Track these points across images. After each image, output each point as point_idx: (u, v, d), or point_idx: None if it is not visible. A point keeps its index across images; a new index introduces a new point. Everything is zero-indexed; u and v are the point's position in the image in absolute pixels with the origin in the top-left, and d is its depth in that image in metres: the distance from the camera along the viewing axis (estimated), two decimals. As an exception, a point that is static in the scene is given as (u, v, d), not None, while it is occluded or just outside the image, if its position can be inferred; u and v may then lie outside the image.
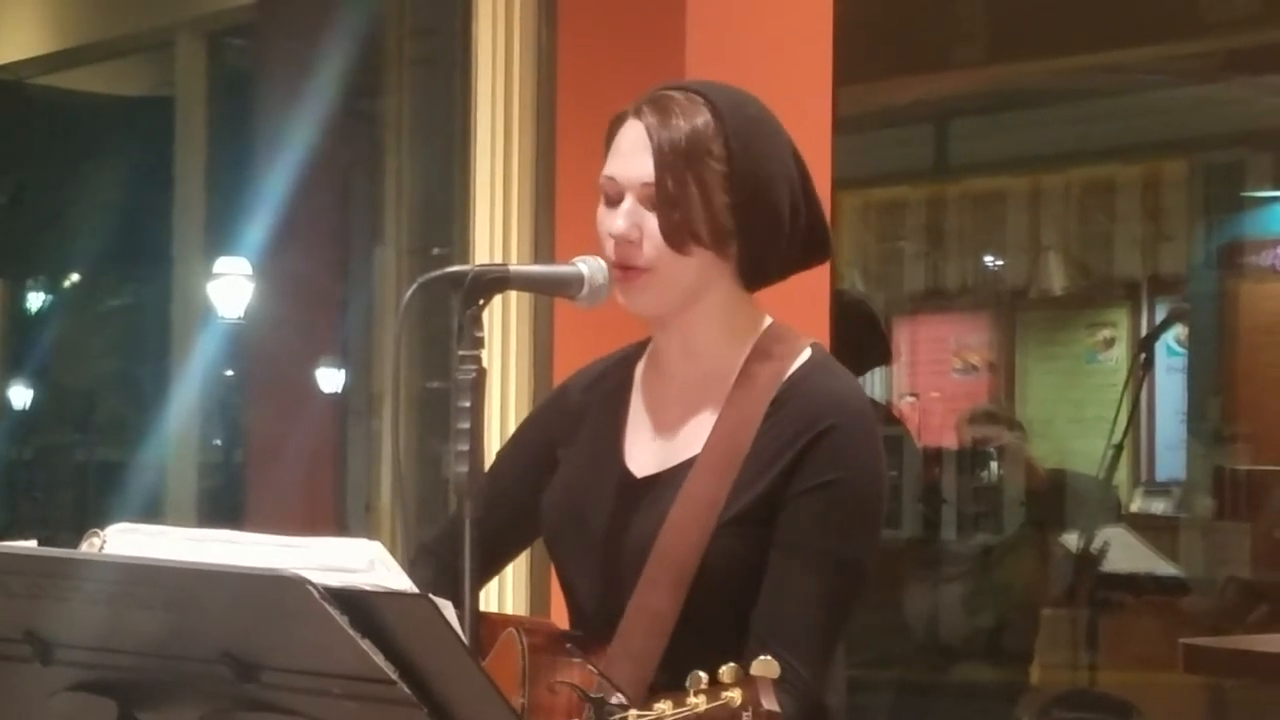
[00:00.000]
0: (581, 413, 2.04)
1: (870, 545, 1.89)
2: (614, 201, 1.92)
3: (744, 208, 1.89)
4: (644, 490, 1.94)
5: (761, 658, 1.57)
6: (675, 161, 1.87)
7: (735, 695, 1.57)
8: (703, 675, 1.60)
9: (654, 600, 1.85)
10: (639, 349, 2.05)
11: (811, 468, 1.85)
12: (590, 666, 1.78)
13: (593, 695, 1.68)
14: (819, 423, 1.86)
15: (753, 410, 1.89)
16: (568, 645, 1.87)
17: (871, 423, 1.91)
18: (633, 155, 1.90)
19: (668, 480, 1.92)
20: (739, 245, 1.91)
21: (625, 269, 1.91)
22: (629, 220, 1.90)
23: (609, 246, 1.92)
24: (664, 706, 1.61)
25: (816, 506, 1.85)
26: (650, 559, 1.87)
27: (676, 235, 1.88)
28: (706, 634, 1.83)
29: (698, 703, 1.59)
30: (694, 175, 1.87)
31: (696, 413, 1.95)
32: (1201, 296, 8.32)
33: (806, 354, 1.94)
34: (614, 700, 1.68)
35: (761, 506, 1.86)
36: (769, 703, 1.56)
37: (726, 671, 1.59)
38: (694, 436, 1.94)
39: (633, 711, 1.64)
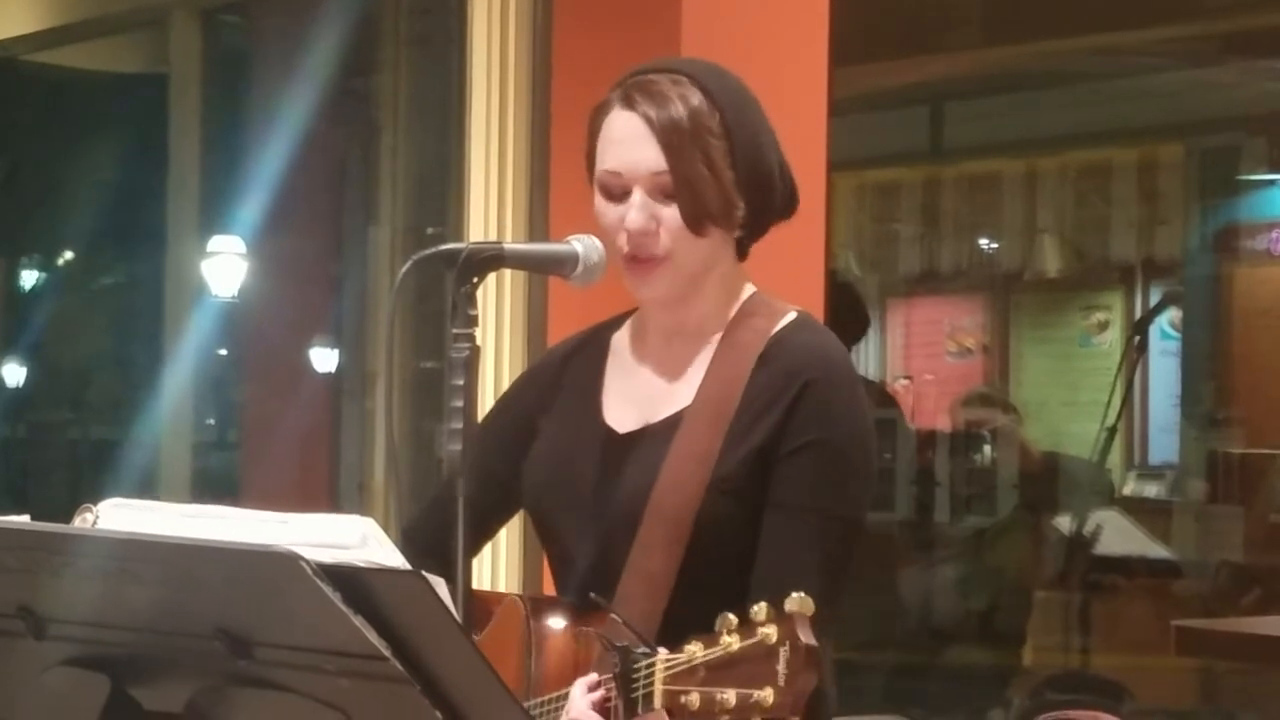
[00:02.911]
0: (558, 384, 2.05)
1: (863, 498, 1.92)
2: (617, 196, 1.92)
3: (746, 179, 1.92)
4: (629, 445, 1.95)
5: (795, 594, 1.56)
6: (682, 145, 1.88)
7: (771, 631, 1.56)
8: (733, 617, 1.59)
9: (651, 562, 1.87)
10: (615, 322, 2.07)
11: (798, 425, 1.88)
12: (614, 615, 1.75)
13: (619, 644, 1.67)
14: (801, 375, 1.89)
15: (740, 365, 1.91)
16: (583, 603, 1.86)
17: (852, 375, 1.95)
18: (634, 146, 1.90)
19: (655, 434, 1.93)
20: (745, 217, 1.93)
21: (641, 261, 1.91)
22: (644, 213, 1.90)
23: (621, 240, 1.91)
24: (695, 648, 1.60)
25: (807, 465, 1.87)
26: (645, 519, 1.88)
27: (696, 219, 1.89)
28: (703, 593, 1.84)
29: (730, 641, 1.58)
30: (702, 155, 1.88)
31: (679, 369, 1.97)
32: (1196, 280, 8.32)
33: (792, 315, 1.97)
34: (639, 649, 1.67)
35: (752, 464, 1.88)
36: (806, 637, 1.55)
37: (759, 610, 1.57)
38: (678, 392, 1.95)
39: (662, 653, 1.64)
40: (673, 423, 1.92)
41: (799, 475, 1.87)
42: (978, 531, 6.58)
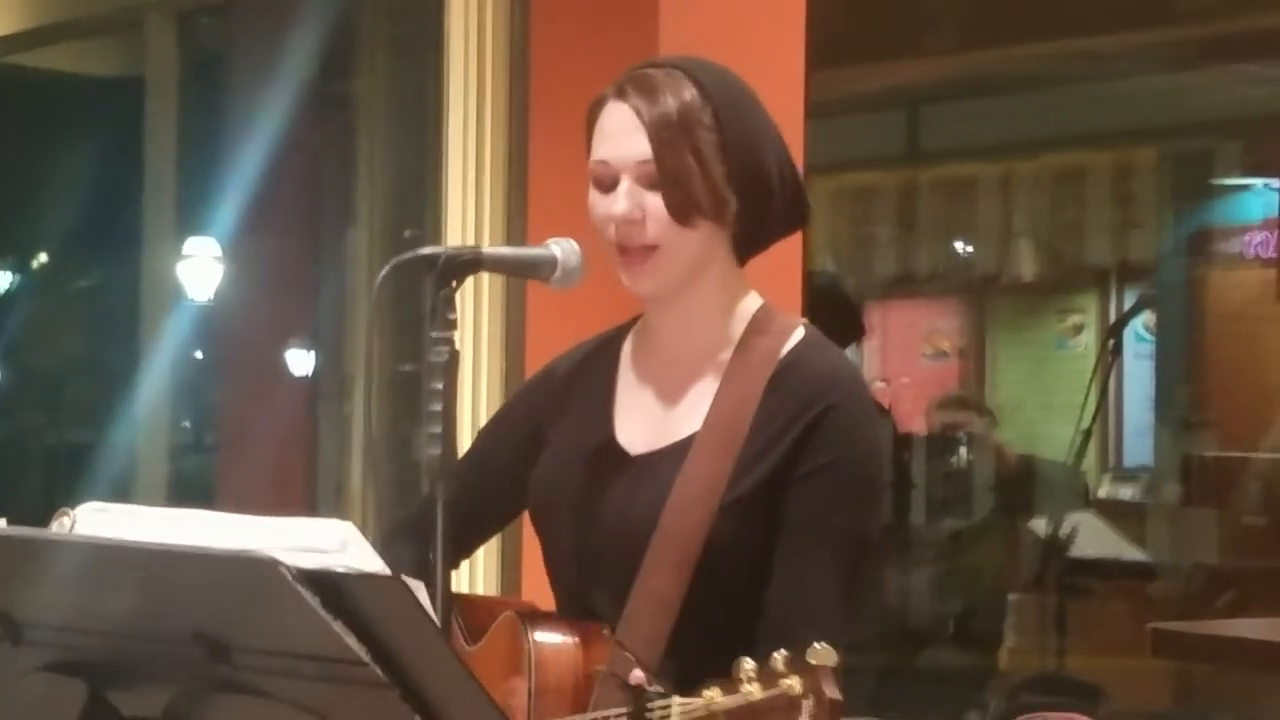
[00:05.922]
0: (568, 392, 2.04)
1: (877, 519, 1.92)
2: (607, 186, 1.92)
3: (739, 174, 1.91)
4: (640, 468, 1.94)
5: (817, 645, 1.55)
6: (670, 135, 1.88)
7: (794, 683, 1.54)
8: (750, 663, 1.57)
9: (659, 582, 1.85)
10: (623, 329, 2.06)
11: (815, 448, 1.87)
12: (628, 653, 1.74)
13: (632, 684, 1.65)
14: (818, 403, 1.88)
15: (750, 388, 1.91)
16: (603, 631, 1.85)
17: (867, 397, 1.94)
18: (624, 136, 1.90)
19: (665, 458, 1.92)
20: (738, 213, 1.92)
21: (630, 252, 1.91)
22: (630, 200, 1.90)
23: (609, 231, 1.91)
24: (713, 694, 1.58)
25: (824, 486, 1.87)
26: (654, 540, 1.87)
27: (681, 209, 1.89)
28: (710, 616, 1.84)
29: (751, 690, 1.55)
30: (690, 147, 1.88)
31: (691, 388, 1.96)
32: (1170, 284, 8.35)
33: (800, 332, 1.96)
34: (652, 688, 1.65)
35: (765, 488, 1.87)
36: (831, 691, 1.54)
37: (780, 659, 1.55)
38: (690, 413, 1.94)
39: (676, 699, 1.62)
40: (684, 446, 1.91)
41: (816, 497, 1.86)
42: (953, 534, 6.60)
